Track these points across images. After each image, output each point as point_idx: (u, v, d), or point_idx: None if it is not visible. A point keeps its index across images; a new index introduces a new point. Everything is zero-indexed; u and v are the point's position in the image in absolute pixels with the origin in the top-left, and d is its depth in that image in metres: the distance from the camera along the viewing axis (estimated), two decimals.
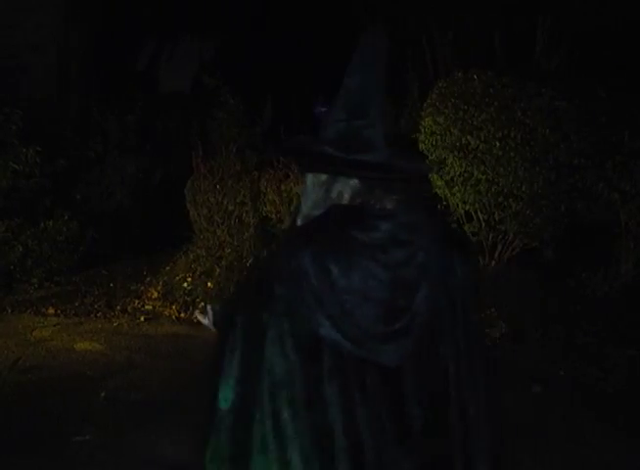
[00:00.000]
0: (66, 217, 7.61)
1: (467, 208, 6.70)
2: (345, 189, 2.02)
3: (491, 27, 9.07)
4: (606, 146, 6.42)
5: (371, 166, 2.01)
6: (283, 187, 7.51)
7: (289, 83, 9.28)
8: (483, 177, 6.47)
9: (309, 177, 2.08)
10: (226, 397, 1.99)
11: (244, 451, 1.96)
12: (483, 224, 6.71)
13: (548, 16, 8.55)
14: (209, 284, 7.08)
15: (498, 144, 6.38)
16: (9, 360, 5.58)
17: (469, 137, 6.48)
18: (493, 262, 6.84)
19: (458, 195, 6.66)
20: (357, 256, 1.95)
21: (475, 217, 6.76)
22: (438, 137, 6.67)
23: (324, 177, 2.04)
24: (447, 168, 6.61)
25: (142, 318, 6.73)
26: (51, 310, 6.89)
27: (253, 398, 1.95)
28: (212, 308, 2.31)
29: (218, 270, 7.15)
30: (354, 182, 2.02)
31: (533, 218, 6.54)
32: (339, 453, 1.92)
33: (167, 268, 7.57)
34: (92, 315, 6.81)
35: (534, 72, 7.92)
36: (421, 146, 6.77)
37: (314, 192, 2.06)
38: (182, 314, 6.82)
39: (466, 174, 6.55)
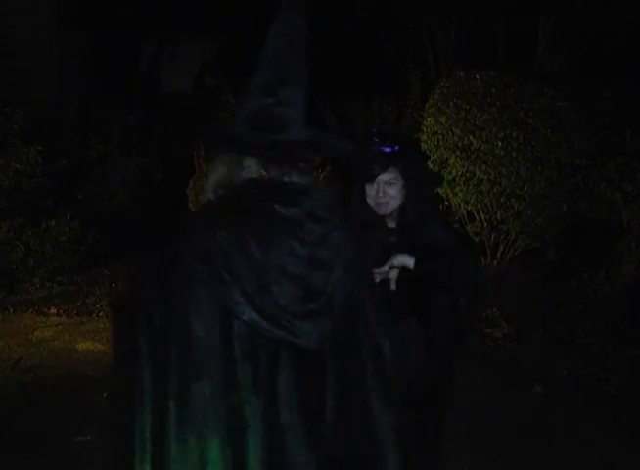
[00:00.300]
0: (67, 217, 7.60)
1: (469, 208, 6.70)
2: (254, 167, 1.98)
3: (493, 27, 9.07)
4: (608, 146, 6.42)
5: (277, 145, 1.96)
6: None
7: None
8: (485, 177, 6.47)
9: (217, 158, 2.05)
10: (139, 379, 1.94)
11: (160, 439, 1.91)
12: (485, 224, 6.71)
13: (550, 16, 8.55)
14: None
15: (500, 144, 6.38)
16: (11, 360, 5.59)
17: (471, 137, 6.48)
18: (495, 263, 6.84)
19: (460, 195, 6.65)
20: (276, 229, 1.90)
21: (477, 217, 6.77)
22: (440, 137, 6.67)
23: (230, 156, 2.01)
24: (449, 168, 6.61)
25: None
26: (53, 310, 6.89)
27: (167, 381, 1.89)
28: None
29: None
30: (262, 160, 1.98)
31: (535, 218, 6.54)
32: (252, 438, 1.88)
33: None
34: (94, 315, 6.80)
35: (536, 72, 7.93)
36: (423, 146, 6.76)
37: (219, 171, 2.03)
38: None
39: (468, 174, 6.55)
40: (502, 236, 6.75)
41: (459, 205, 6.75)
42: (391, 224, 3.15)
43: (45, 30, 9.18)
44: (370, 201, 3.09)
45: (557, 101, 6.47)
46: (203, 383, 1.88)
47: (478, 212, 6.73)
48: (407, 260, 2.95)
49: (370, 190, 3.08)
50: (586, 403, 4.95)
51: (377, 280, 2.93)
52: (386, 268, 2.96)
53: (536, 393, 5.17)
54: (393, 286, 3.04)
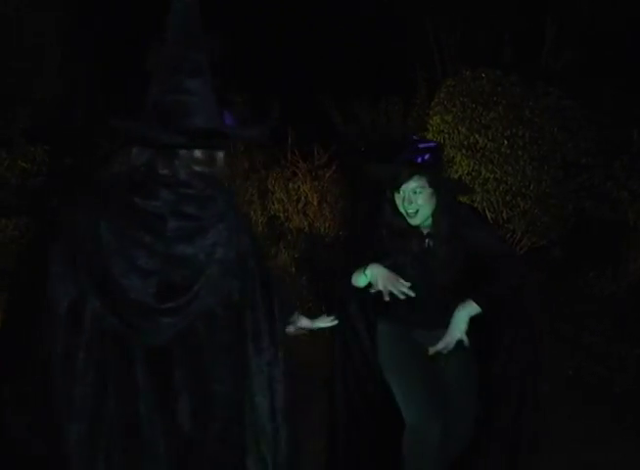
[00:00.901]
0: None
1: (475, 206, 6.69)
2: (138, 157, 1.95)
3: (499, 26, 9.06)
4: (614, 145, 6.41)
5: (171, 135, 1.90)
6: (290, 185, 7.52)
7: (296, 82, 9.27)
8: (491, 176, 6.46)
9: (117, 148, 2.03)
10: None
11: None
12: (491, 223, 6.71)
13: (556, 15, 8.53)
14: None
15: (506, 143, 6.38)
16: None
17: (477, 136, 6.47)
18: None
19: None
20: (133, 222, 1.86)
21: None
22: (446, 136, 6.67)
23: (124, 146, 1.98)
24: (455, 167, 6.61)
25: None
26: None
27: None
28: None
29: None
30: (146, 150, 1.95)
31: (541, 217, 6.53)
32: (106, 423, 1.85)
33: None
34: None
35: (542, 71, 7.91)
36: None
37: (116, 161, 2.01)
38: None
39: (474, 173, 6.54)
40: (508, 235, 6.74)
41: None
42: (427, 232, 3.12)
43: (51, 30, 9.19)
44: (402, 210, 3.07)
45: (563, 100, 6.46)
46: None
47: (483, 211, 6.72)
48: (464, 323, 2.91)
49: (398, 199, 3.07)
50: (591, 403, 4.94)
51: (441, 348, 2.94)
52: (446, 344, 2.93)
53: (541, 391, 5.16)
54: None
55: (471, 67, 6.97)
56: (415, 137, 3.23)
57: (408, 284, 2.95)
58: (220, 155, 2.05)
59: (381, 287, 2.97)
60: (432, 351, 2.97)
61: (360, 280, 3.07)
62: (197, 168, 1.96)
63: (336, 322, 2.66)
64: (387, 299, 2.97)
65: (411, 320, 3.14)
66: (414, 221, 3.06)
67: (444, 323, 2.96)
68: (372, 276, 3.01)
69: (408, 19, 9.72)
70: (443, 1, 9.31)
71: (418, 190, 3.00)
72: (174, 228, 1.87)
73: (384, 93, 8.54)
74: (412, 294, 2.94)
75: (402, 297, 2.94)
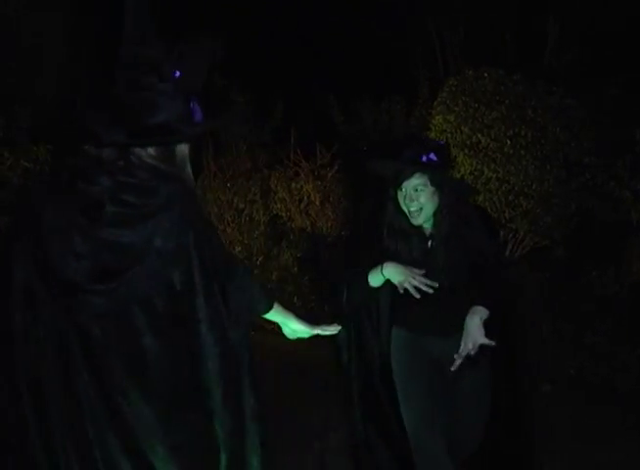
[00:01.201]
0: None
1: (482, 206, 6.69)
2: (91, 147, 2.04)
3: (502, 26, 9.06)
4: (617, 144, 6.40)
5: (116, 133, 1.99)
6: (293, 185, 7.52)
7: (299, 82, 9.27)
8: (494, 176, 6.46)
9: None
10: None
11: None
12: (495, 225, 6.70)
13: (559, 14, 8.52)
14: None
15: (509, 142, 6.37)
16: None
17: (479, 135, 6.47)
18: None
19: None
20: (72, 206, 1.95)
21: None
22: (449, 135, 6.65)
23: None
24: (458, 167, 6.60)
25: None
26: None
27: None
28: None
29: None
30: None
31: (544, 217, 6.52)
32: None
33: None
34: None
35: (545, 71, 7.91)
36: None
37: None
38: None
39: (476, 173, 6.54)
40: (510, 234, 6.74)
41: None
42: (429, 232, 3.11)
43: (54, 29, 9.19)
44: (404, 208, 3.05)
45: (566, 99, 6.45)
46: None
47: (486, 210, 6.71)
48: (479, 330, 2.82)
49: (400, 197, 3.05)
50: (594, 402, 4.95)
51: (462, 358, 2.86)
52: (467, 351, 2.85)
53: (544, 391, 5.17)
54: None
55: (473, 66, 6.96)
56: (419, 135, 3.22)
57: (422, 271, 2.95)
58: (181, 150, 2.12)
59: (397, 282, 2.97)
60: (455, 365, 2.87)
61: (376, 280, 3.07)
62: (150, 161, 2.03)
63: (335, 331, 2.62)
64: (401, 291, 2.97)
65: (420, 325, 3.13)
66: (416, 221, 3.03)
67: (454, 329, 2.91)
68: (389, 274, 3.01)
69: (410, 18, 9.72)
70: (446, 0, 9.31)
71: (420, 188, 2.98)
72: (111, 214, 1.94)
73: (386, 93, 8.53)
74: (429, 285, 2.93)
75: (420, 290, 2.93)
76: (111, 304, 1.93)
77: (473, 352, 2.83)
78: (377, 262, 3.05)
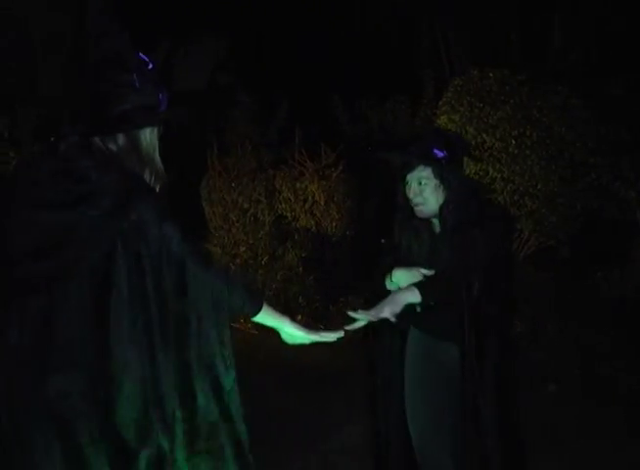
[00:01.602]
0: None
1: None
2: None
3: (507, 26, 9.05)
4: (622, 145, 6.40)
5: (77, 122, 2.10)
6: (298, 185, 7.53)
7: (303, 81, 9.28)
8: (499, 175, 6.45)
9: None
10: None
11: None
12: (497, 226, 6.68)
13: (564, 14, 8.52)
14: None
15: (514, 142, 6.37)
16: None
17: (484, 135, 6.47)
18: None
19: None
20: (24, 190, 2.09)
21: None
22: None
23: None
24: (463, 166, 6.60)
25: None
26: None
27: None
28: None
29: (233, 268, 7.17)
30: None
31: (549, 217, 6.52)
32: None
33: None
34: None
35: (550, 70, 7.90)
36: None
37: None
38: None
39: (481, 173, 6.53)
40: (515, 235, 6.73)
41: None
42: (437, 228, 3.07)
43: (58, 29, 9.21)
44: (410, 201, 3.02)
45: (571, 99, 6.45)
46: None
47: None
48: (393, 305, 2.79)
49: (407, 190, 3.02)
50: (599, 403, 4.94)
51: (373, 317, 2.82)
52: (371, 316, 2.81)
53: (549, 391, 5.16)
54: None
55: (478, 66, 6.96)
56: (439, 129, 3.17)
57: (431, 272, 2.93)
58: (146, 139, 2.17)
59: (405, 284, 2.93)
60: (356, 315, 2.81)
61: (390, 286, 3.04)
62: (113, 150, 2.12)
63: (334, 338, 2.56)
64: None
65: (421, 325, 3.12)
66: (421, 214, 3.01)
67: (460, 333, 2.87)
68: (397, 279, 2.99)
69: (416, 18, 9.72)
70: (451, 1, 9.31)
71: (423, 181, 2.94)
72: (49, 195, 2.05)
73: (391, 93, 8.54)
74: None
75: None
76: (54, 272, 2.03)
77: (373, 319, 2.80)
78: (390, 261, 3.05)
